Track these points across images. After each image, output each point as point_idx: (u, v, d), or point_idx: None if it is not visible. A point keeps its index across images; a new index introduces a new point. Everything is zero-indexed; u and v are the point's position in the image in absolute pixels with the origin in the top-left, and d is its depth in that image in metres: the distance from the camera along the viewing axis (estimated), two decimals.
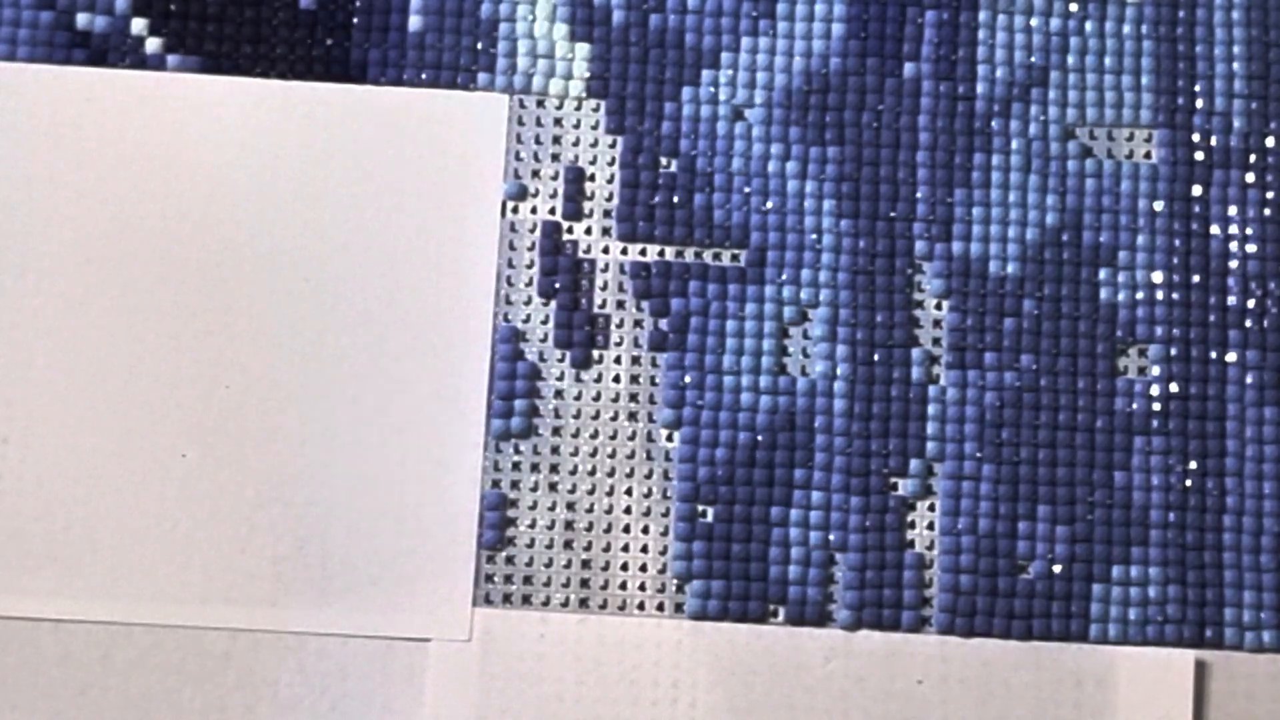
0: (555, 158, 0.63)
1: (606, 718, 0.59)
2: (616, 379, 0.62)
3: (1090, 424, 0.62)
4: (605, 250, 0.63)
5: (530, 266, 0.62)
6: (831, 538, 0.61)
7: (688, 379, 0.62)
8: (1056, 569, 0.61)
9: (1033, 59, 0.64)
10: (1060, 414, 0.62)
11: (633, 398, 0.62)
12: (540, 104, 0.64)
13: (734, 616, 0.60)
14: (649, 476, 0.61)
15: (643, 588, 0.61)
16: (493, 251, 0.62)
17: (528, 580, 0.61)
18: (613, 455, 0.61)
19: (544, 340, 0.62)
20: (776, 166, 0.63)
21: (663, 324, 0.62)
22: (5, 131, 0.62)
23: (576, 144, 0.63)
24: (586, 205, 0.63)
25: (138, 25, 0.64)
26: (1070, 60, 0.64)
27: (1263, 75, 0.64)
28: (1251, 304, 0.63)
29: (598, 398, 0.62)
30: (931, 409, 0.62)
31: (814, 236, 0.63)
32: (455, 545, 0.60)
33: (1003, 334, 0.62)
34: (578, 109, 0.64)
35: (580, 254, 0.63)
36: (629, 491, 0.61)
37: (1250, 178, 0.63)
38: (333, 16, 0.64)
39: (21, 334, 0.61)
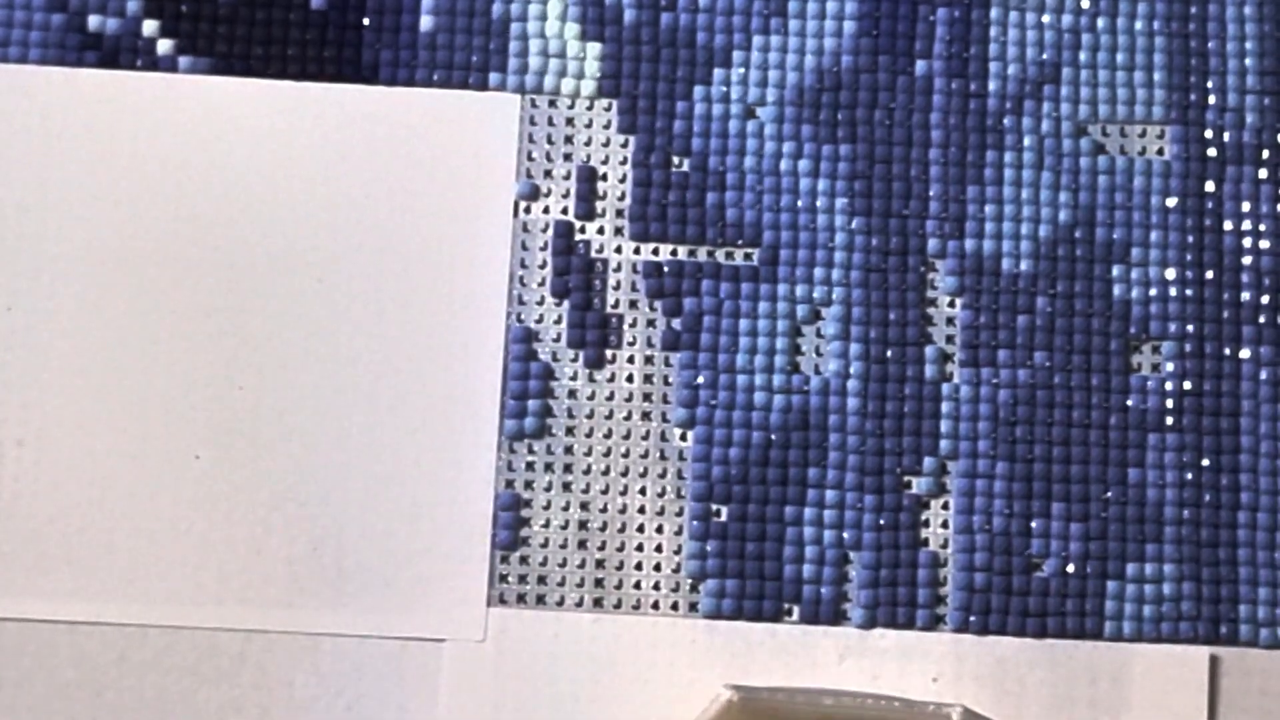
0: (567, 157, 0.63)
1: (621, 717, 0.60)
2: (630, 379, 0.62)
3: (1104, 421, 0.62)
4: (618, 250, 0.63)
5: (543, 266, 0.62)
6: (845, 536, 0.61)
7: (701, 378, 0.62)
8: (1071, 566, 0.61)
9: (1045, 56, 0.64)
10: (1074, 411, 0.62)
11: (646, 397, 0.62)
12: (552, 103, 0.64)
13: (748, 616, 0.60)
14: (662, 476, 0.61)
15: (657, 587, 0.61)
16: (505, 251, 0.62)
17: (542, 580, 0.61)
18: (626, 455, 0.61)
19: (557, 340, 0.62)
20: (788, 165, 0.63)
21: (675, 323, 0.62)
22: (17, 134, 0.63)
23: (588, 143, 0.63)
24: (599, 205, 0.63)
25: (149, 27, 0.64)
26: (1082, 57, 0.64)
27: (1275, 71, 0.64)
28: (1265, 300, 0.63)
29: (611, 397, 0.62)
30: (945, 407, 0.62)
31: (826, 235, 0.63)
32: (469, 546, 0.60)
33: (1016, 331, 0.62)
34: (589, 108, 0.64)
35: (593, 254, 0.63)
36: (642, 491, 0.61)
37: (1263, 173, 0.63)
38: (344, 17, 0.64)
39: (35, 336, 0.61)
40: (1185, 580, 0.61)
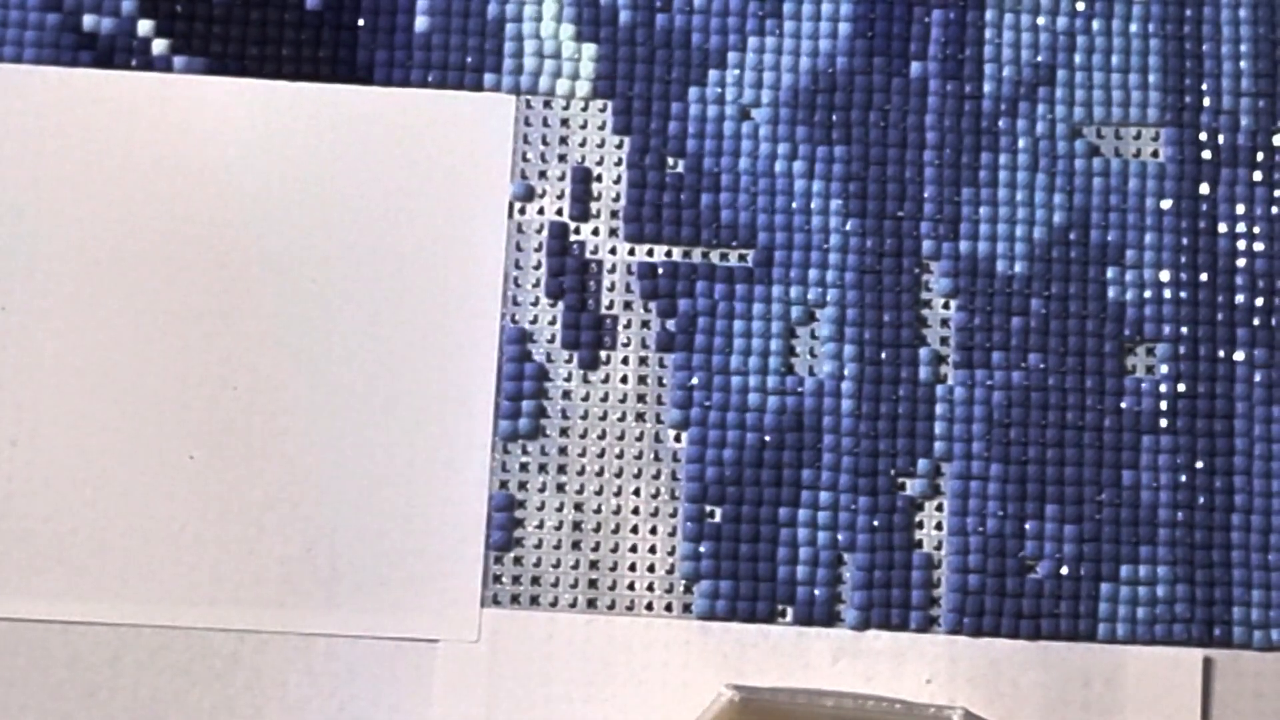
0: (562, 158, 0.63)
1: (614, 718, 0.60)
2: (624, 380, 0.62)
3: (1098, 423, 0.62)
4: (612, 251, 0.63)
5: (538, 267, 0.62)
6: (839, 538, 0.61)
7: (695, 379, 0.62)
8: (1064, 568, 0.61)
9: (1040, 58, 0.64)
10: (1068, 413, 0.62)
11: (640, 398, 0.62)
12: (547, 104, 0.64)
13: (742, 617, 0.60)
14: (657, 477, 0.61)
15: (650, 588, 0.61)
16: (500, 252, 0.62)
17: (536, 581, 0.61)
18: (620, 456, 0.61)
19: (551, 341, 0.62)
20: (784, 166, 0.63)
21: (670, 324, 0.62)
22: (12, 133, 0.63)
23: (583, 144, 0.63)
24: (594, 206, 0.63)
25: (144, 27, 0.64)
26: (1077, 59, 0.64)
27: (1270, 73, 0.64)
28: (1259, 302, 0.63)
29: (605, 398, 0.62)
30: (939, 408, 0.62)
31: (821, 236, 0.63)
32: (463, 546, 0.60)
33: (1010, 333, 0.62)
34: (584, 109, 0.64)
35: (587, 255, 0.63)
36: (637, 492, 0.61)
37: (1258, 176, 0.63)
38: (339, 17, 0.64)
39: (29, 336, 0.61)
40: (1179, 582, 0.61)
